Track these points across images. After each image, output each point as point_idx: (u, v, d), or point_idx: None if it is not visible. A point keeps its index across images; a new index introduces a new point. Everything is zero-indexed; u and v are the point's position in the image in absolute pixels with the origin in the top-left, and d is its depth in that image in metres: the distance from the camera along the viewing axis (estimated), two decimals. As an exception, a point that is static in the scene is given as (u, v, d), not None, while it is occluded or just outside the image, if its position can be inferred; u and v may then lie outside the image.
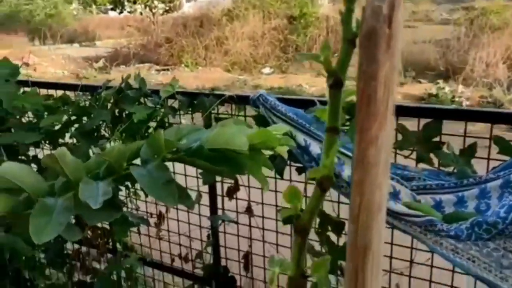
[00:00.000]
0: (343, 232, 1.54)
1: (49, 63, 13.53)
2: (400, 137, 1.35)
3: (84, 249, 2.22)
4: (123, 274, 2.20)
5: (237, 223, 1.83)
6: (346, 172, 1.36)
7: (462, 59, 10.21)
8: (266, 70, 12.11)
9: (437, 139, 1.30)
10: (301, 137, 1.42)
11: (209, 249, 1.93)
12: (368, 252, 0.52)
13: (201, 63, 12.54)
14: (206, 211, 1.88)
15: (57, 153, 0.92)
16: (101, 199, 0.92)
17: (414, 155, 1.35)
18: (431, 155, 1.31)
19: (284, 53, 12.41)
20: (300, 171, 1.53)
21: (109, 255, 2.15)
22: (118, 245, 2.14)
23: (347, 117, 1.36)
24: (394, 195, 1.31)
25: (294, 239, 0.59)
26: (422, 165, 1.36)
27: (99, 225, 2.11)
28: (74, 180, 0.96)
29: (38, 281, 2.35)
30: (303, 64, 11.52)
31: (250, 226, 1.81)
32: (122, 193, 2.01)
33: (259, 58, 12.36)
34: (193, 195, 1.87)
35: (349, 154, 1.35)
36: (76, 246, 2.26)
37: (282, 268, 0.65)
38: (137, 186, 1.95)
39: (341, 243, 1.56)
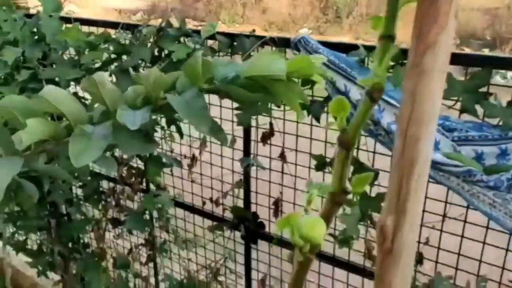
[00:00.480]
0: (376, 183, 1.53)
1: (88, 14, 13.65)
2: (445, 86, 1.30)
3: (118, 188, 2.29)
4: (155, 214, 2.28)
5: (269, 169, 1.84)
6: (386, 119, 1.33)
7: (510, 29, 9.72)
8: (304, 30, 11.86)
9: (484, 89, 1.25)
10: (341, 82, 1.39)
11: (240, 195, 1.96)
12: (415, 164, 0.51)
13: (238, 20, 12.40)
14: (239, 156, 1.89)
15: (96, 77, 0.93)
16: (138, 121, 0.93)
17: (457, 106, 1.31)
18: (477, 106, 1.26)
19: (323, 14, 12.10)
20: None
21: (142, 195, 2.20)
22: (151, 185, 2.19)
23: (391, 63, 1.33)
24: (434, 145, 1.28)
25: (338, 153, 0.58)
26: (464, 117, 1.32)
27: (134, 164, 2.16)
28: (112, 107, 0.97)
29: (75, 216, 2.46)
30: (342, 26, 11.23)
31: (282, 172, 1.81)
32: (158, 134, 2.04)
33: (297, 19, 12.10)
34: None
35: (391, 101, 1.32)
36: (111, 184, 2.33)
37: (320, 190, 0.65)
38: (172, 128, 1.98)
39: (373, 194, 1.54)
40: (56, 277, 2.76)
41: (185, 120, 0.91)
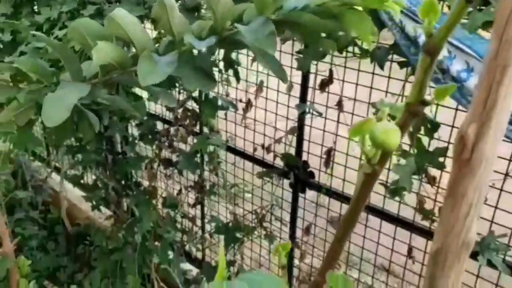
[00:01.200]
0: (435, 136, 1.49)
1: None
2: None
3: (172, 129, 2.35)
4: (206, 158, 2.33)
5: (324, 117, 1.82)
6: (456, 66, 1.27)
7: None
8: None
9: None
10: (410, 25, 1.33)
11: (293, 143, 1.96)
12: (507, 69, 0.49)
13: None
14: (294, 104, 1.88)
15: (167, 2, 0.94)
16: (204, 44, 0.94)
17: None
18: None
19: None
20: (402, 65, 1.46)
21: (195, 138, 2.25)
22: (205, 129, 2.23)
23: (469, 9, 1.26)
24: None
25: (422, 60, 0.56)
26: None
27: (189, 106, 2.19)
28: (178, 36, 0.98)
29: (130, 154, 2.55)
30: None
31: (337, 122, 1.79)
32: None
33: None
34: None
35: (463, 47, 1.26)
36: (166, 126, 2.39)
37: (392, 109, 0.63)
38: (230, 72, 1.99)
39: (431, 148, 1.50)
40: (108, 212, 2.90)
41: (251, 45, 0.91)
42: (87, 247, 3.07)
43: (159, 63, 0.91)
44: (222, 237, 2.28)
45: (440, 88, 0.57)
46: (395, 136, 0.57)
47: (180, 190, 2.56)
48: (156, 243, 2.53)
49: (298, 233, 2.12)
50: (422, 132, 1.49)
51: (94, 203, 2.76)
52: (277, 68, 0.97)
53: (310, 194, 2.02)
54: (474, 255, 1.55)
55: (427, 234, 1.63)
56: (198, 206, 2.56)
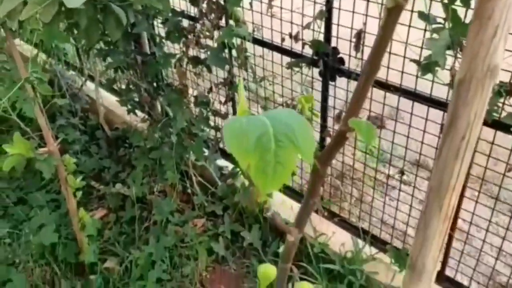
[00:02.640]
0: (471, 7, 1.40)
1: None
2: None
3: (198, 26, 2.31)
4: (234, 53, 2.30)
5: (353, -3, 1.74)
6: None
7: None
8: None
9: None
10: None
11: (321, 29, 1.89)
12: None
13: None
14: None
15: None
16: None
17: None
18: None
19: None
20: None
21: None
22: (230, 22, 2.18)
23: None
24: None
25: None
26: None
27: (214, -2, 2.13)
28: None
29: (158, 53, 2.54)
30: None
31: (367, 0, 1.70)
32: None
33: None
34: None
35: None
36: (191, 23, 2.35)
37: None
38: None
39: (467, 20, 1.42)
40: (144, 115, 2.98)
41: None
42: (127, 149, 3.22)
43: None
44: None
45: None
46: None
47: (210, 88, 2.58)
48: (191, 141, 2.61)
49: (329, 122, 2.13)
50: (458, 2, 1.40)
51: (129, 107, 2.83)
52: None
53: (340, 81, 1.99)
54: (507, 127, 1.52)
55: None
56: (229, 103, 2.58)
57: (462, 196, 1.86)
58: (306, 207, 0.82)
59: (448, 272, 2.08)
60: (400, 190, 2.09)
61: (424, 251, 0.67)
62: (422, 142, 1.83)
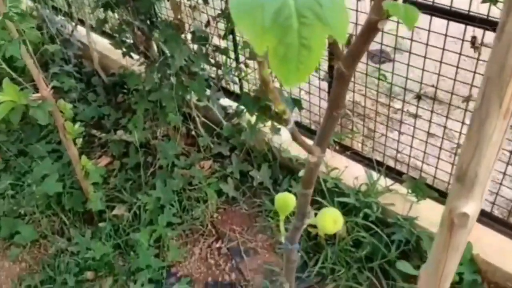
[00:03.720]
0: None
1: None
2: None
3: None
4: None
5: None
6: None
7: None
8: None
9: None
10: None
11: None
12: None
13: None
14: None
15: None
16: None
17: None
18: None
19: None
20: None
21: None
22: None
23: None
24: None
25: None
26: None
27: None
28: None
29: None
30: None
31: None
32: None
33: None
34: None
35: None
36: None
37: None
38: None
39: None
40: (141, 59, 2.83)
41: None
42: (126, 95, 3.09)
43: None
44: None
45: None
46: None
47: (208, 22, 2.41)
48: (192, 81, 2.48)
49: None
50: None
51: (124, 49, 2.67)
52: None
53: None
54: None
55: (485, 23, 1.45)
56: (230, 37, 2.43)
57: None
58: (329, 121, 0.71)
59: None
60: (416, 116, 1.98)
61: (478, 157, 0.56)
62: (441, 62, 1.69)
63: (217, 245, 2.29)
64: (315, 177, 0.81)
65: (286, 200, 0.92)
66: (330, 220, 0.79)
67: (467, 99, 1.63)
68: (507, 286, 1.87)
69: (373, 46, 2.10)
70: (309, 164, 0.77)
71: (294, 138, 0.68)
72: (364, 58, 2.13)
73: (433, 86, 1.84)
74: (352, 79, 2.32)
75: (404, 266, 1.95)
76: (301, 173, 2.32)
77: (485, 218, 1.94)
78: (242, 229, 2.33)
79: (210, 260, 2.24)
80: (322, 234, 0.80)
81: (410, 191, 2.07)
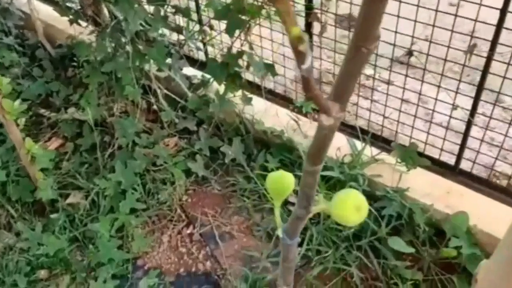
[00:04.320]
0: None
1: None
2: None
3: None
4: None
5: None
6: None
7: None
8: None
9: None
10: None
11: None
12: None
13: None
14: None
15: None
16: None
17: None
18: None
19: None
20: None
21: None
22: None
23: None
24: None
25: None
26: None
27: None
28: None
29: None
30: None
31: None
32: None
33: None
34: None
35: None
36: None
37: None
38: None
39: None
40: (91, 27, 2.50)
41: None
42: (76, 68, 2.76)
43: None
44: (224, 25, 1.91)
45: None
46: None
47: (165, -22, 2.11)
48: (149, 48, 2.18)
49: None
50: None
51: (71, 16, 2.34)
52: None
53: None
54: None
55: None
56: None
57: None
58: (352, 62, 0.47)
59: (464, 165, 1.84)
60: (406, 76, 1.77)
61: None
62: (415, 21, 1.48)
63: (188, 231, 2.05)
64: (327, 148, 0.58)
65: (281, 181, 0.68)
66: (352, 208, 0.56)
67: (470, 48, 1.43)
68: (507, 258, 1.72)
69: (342, 10, 1.90)
70: (320, 130, 0.54)
71: (307, 86, 0.44)
72: (332, 23, 1.91)
73: (408, 49, 1.64)
74: (320, 45, 2.09)
75: (396, 243, 1.77)
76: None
77: (483, 186, 1.78)
78: (215, 211, 2.10)
79: (181, 248, 2.00)
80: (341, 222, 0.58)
81: (399, 160, 1.89)
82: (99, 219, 2.04)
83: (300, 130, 2.12)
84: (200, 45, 2.36)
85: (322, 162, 0.60)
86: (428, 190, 1.84)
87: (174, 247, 2.01)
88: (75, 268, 1.95)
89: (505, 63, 1.47)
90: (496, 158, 1.71)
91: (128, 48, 2.18)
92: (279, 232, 0.70)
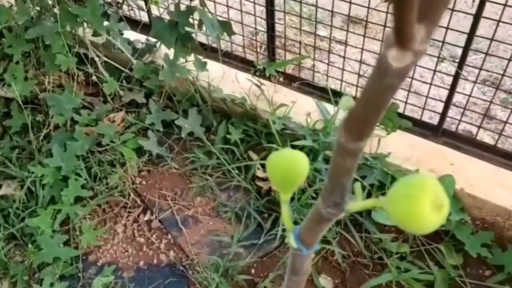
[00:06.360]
0: None
1: None
2: None
3: None
4: None
5: None
6: None
7: None
8: None
9: None
10: None
11: None
12: None
13: None
14: None
15: None
16: None
17: None
18: None
19: None
20: None
21: None
22: None
23: None
24: None
25: None
26: None
27: None
28: None
29: None
30: None
31: None
32: None
33: None
34: None
35: None
36: None
37: None
38: None
39: None
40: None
41: None
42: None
43: None
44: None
45: None
46: None
47: None
48: (81, 7, 1.85)
49: None
50: None
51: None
52: None
53: None
54: None
55: None
56: None
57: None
58: None
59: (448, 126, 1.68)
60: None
61: None
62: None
63: (146, 218, 1.80)
64: (384, 109, 0.35)
65: (292, 165, 0.46)
66: (427, 206, 0.34)
67: None
68: (496, 222, 1.60)
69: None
70: (381, 77, 0.31)
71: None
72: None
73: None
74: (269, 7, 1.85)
75: (380, 215, 1.61)
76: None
77: (468, 145, 1.63)
78: (174, 193, 1.85)
79: (139, 238, 1.75)
80: (408, 230, 0.35)
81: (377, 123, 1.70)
82: (38, 212, 1.74)
83: (264, 95, 1.89)
84: (142, 3, 2.05)
85: (371, 135, 0.37)
86: (409, 154, 1.68)
87: (130, 238, 1.75)
88: (14, 272, 1.67)
89: (501, 4, 1.29)
90: (485, 115, 1.56)
91: (55, 9, 1.84)
92: (290, 240, 0.48)
